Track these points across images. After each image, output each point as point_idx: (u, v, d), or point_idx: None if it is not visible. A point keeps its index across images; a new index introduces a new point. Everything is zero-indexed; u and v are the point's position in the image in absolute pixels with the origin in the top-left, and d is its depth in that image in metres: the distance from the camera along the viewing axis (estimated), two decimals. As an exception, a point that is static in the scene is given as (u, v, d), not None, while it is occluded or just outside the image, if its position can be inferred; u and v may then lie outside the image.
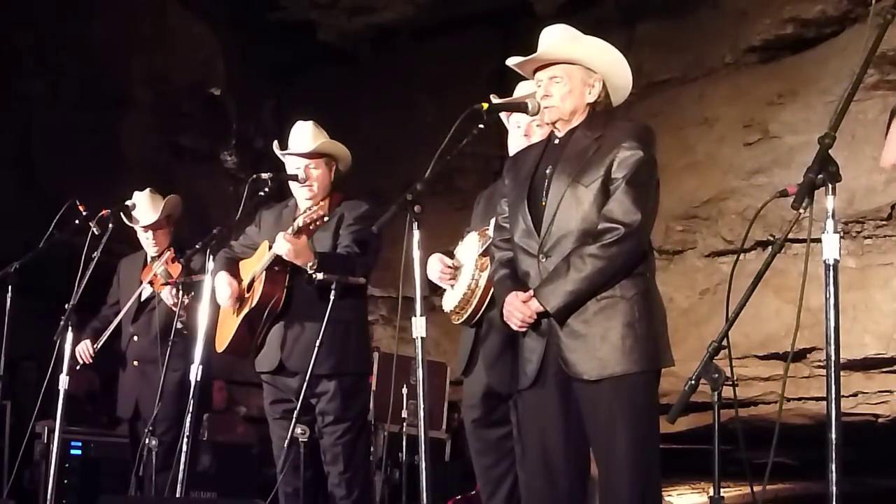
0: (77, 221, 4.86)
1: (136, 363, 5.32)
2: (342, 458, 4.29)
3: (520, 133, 3.85)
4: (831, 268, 2.35)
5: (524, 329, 3.27)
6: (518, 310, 3.24)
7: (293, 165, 4.44)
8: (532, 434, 3.33)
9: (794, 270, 6.33)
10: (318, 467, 4.38)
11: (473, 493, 5.78)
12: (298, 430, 4.19)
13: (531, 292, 3.23)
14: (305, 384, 4.12)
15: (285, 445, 4.23)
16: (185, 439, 4.00)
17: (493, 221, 3.68)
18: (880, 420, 6.83)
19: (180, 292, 4.69)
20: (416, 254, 3.19)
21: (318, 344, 4.10)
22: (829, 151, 2.36)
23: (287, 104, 9.25)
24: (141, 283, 5.28)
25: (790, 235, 2.67)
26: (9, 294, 4.85)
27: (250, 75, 9.65)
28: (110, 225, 4.91)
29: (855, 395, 6.71)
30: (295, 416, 4.17)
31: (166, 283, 4.95)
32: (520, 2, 8.21)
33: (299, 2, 8.81)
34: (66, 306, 4.88)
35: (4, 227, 7.57)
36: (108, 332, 5.29)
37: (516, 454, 3.79)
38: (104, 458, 6.23)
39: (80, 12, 8.47)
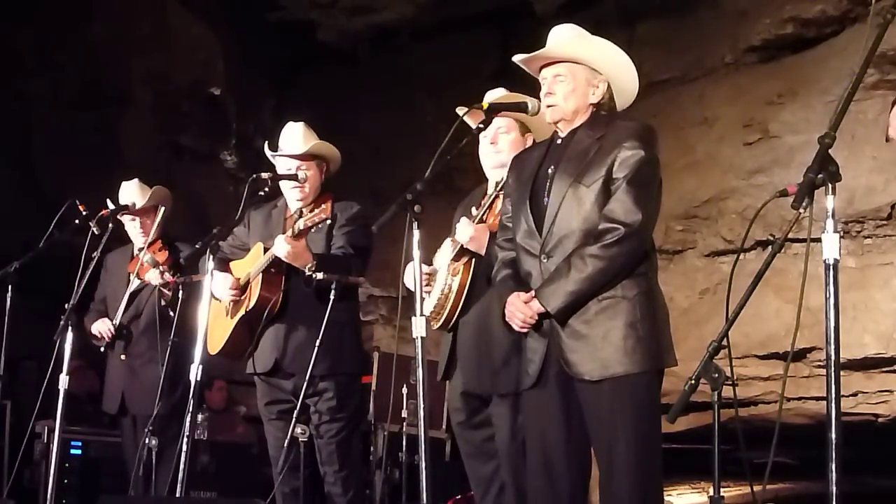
0: (77, 221, 4.86)
1: (123, 357, 5.31)
2: (337, 458, 4.31)
3: (486, 141, 3.86)
4: (831, 267, 2.35)
5: (526, 330, 3.27)
6: (520, 310, 3.24)
7: (284, 167, 4.45)
8: (533, 434, 3.33)
9: (794, 270, 6.33)
10: (317, 467, 4.39)
11: (473, 492, 5.78)
12: (298, 430, 4.20)
13: (532, 293, 3.23)
14: (305, 384, 4.13)
15: (285, 445, 4.24)
16: (185, 439, 4.00)
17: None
18: (880, 420, 6.82)
19: (167, 275, 4.73)
20: (416, 253, 3.19)
21: (317, 344, 4.11)
22: (829, 151, 2.36)
23: (287, 104, 9.23)
24: (129, 276, 5.26)
25: (790, 235, 2.67)
26: (9, 294, 4.84)
27: (250, 75, 9.64)
28: (110, 225, 4.92)
29: (855, 394, 6.70)
30: (294, 416, 4.18)
31: (155, 266, 4.94)
32: (520, 2, 8.20)
33: (299, 1, 8.80)
34: (66, 306, 4.88)
35: (4, 227, 7.57)
36: (120, 310, 5.25)
37: (500, 456, 3.81)
38: (104, 458, 6.22)
39: (80, 12, 8.47)
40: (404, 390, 6.17)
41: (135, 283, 5.27)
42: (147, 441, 4.71)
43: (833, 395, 2.32)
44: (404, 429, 6.22)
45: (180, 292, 4.67)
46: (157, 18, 8.96)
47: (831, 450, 2.29)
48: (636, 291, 3.20)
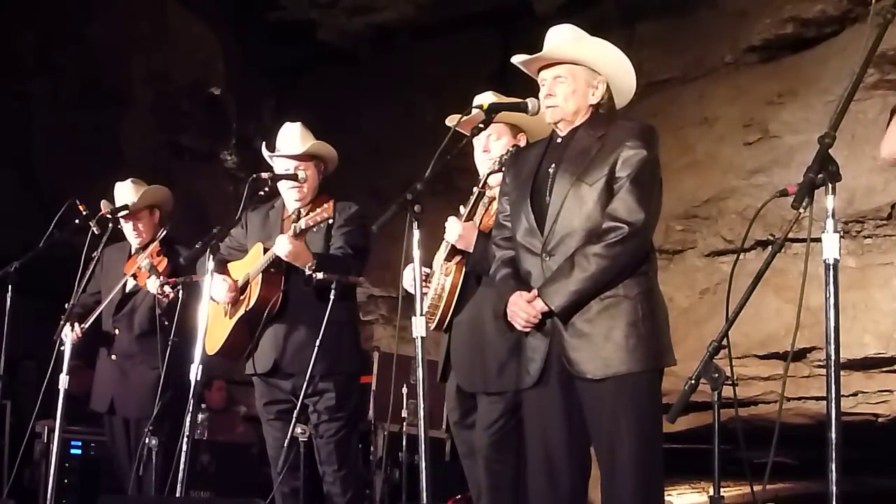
0: (77, 221, 4.86)
1: (114, 357, 5.30)
2: (336, 457, 4.32)
3: (479, 148, 3.88)
4: (831, 267, 2.35)
5: (528, 329, 3.27)
6: (523, 310, 3.24)
7: (282, 167, 4.45)
8: (535, 433, 3.33)
9: (794, 270, 6.32)
10: (317, 467, 4.40)
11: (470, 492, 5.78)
12: (298, 430, 4.20)
13: (535, 292, 3.23)
14: (305, 384, 4.13)
15: (285, 445, 4.24)
16: (185, 439, 4.00)
17: None
18: (880, 420, 6.82)
19: (166, 287, 4.71)
20: (417, 253, 3.20)
21: (317, 344, 4.11)
22: (829, 151, 2.36)
23: (287, 104, 9.23)
24: (124, 275, 5.23)
25: (790, 235, 2.67)
26: (9, 294, 4.85)
27: (250, 75, 9.64)
28: (110, 225, 4.92)
29: (855, 394, 6.70)
30: (294, 416, 4.18)
31: (152, 274, 4.92)
32: (520, 2, 8.20)
33: (299, 1, 8.80)
34: (66, 306, 4.89)
35: (4, 227, 7.57)
36: (94, 315, 5.21)
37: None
38: (104, 458, 6.21)
39: (80, 12, 8.46)
40: (404, 390, 6.17)
41: (130, 285, 5.25)
42: (147, 441, 4.71)
43: (833, 395, 2.32)
44: (404, 429, 6.21)
45: (180, 293, 4.66)
46: (157, 18, 8.96)
47: (831, 450, 2.29)
48: (638, 291, 3.21)
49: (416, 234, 3.18)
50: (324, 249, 4.34)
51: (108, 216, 4.96)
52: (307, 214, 4.19)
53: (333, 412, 4.32)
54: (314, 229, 4.18)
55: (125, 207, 5.13)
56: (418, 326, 3.18)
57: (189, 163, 9.38)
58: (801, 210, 2.32)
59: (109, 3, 8.63)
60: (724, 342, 2.51)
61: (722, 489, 2.58)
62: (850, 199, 6.57)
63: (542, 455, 3.28)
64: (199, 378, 4.02)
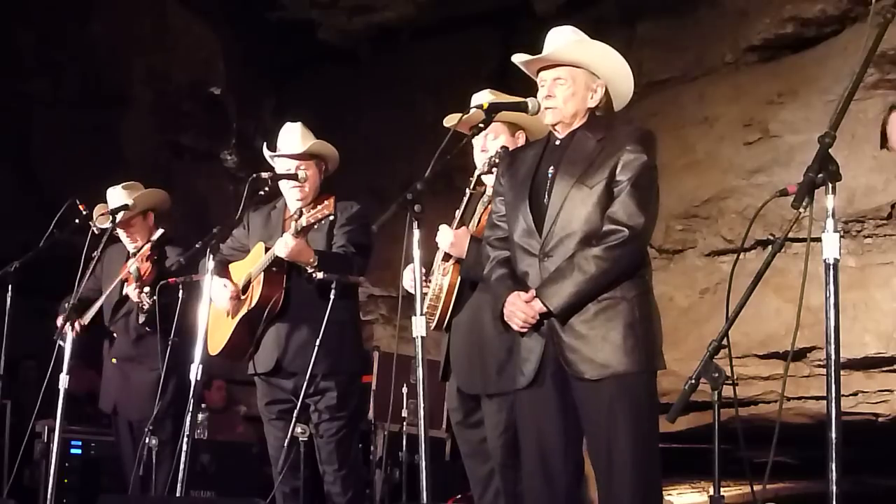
0: (77, 221, 4.86)
1: (114, 360, 5.30)
2: (337, 457, 4.31)
3: (478, 148, 3.88)
4: (831, 267, 2.35)
5: (525, 329, 3.27)
6: (521, 310, 3.24)
7: (283, 167, 4.45)
8: (529, 434, 3.33)
9: (795, 269, 6.32)
10: (317, 467, 4.39)
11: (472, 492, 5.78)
12: (298, 430, 4.19)
13: (533, 292, 3.23)
14: (306, 384, 4.13)
15: (285, 445, 4.24)
16: (185, 439, 4.00)
17: None
18: (880, 419, 6.82)
19: (143, 295, 4.71)
20: (417, 253, 3.20)
21: (317, 344, 4.11)
22: (829, 150, 2.36)
23: (287, 104, 9.23)
24: (120, 279, 5.23)
25: (790, 235, 2.67)
26: (9, 294, 4.85)
27: (250, 75, 9.64)
28: (110, 224, 4.91)
29: (855, 394, 6.70)
30: (295, 415, 4.18)
31: (137, 279, 4.91)
32: (520, 2, 8.20)
33: (299, 1, 8.80)
34: (66, 305, 4.89)
35: (4, 227, 7.57)
36: (93, 311, 5.19)
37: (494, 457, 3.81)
38: (104, 457, 6.22)
39: (80, 12, 8.47)
40: (404, 390, 6.17)
41: (125, 288, 5.25)
42: (147, 441, 4.71)
43: (833, 395, 2.32)
44: (404, 428, 6.21)
45: (180, 292, 4.66)
46: (157, 18, 8.96)
47: (831, 449, 2.29)
48: (635, 293, 3.22)
49: (416, 233, 3.18)
50: (326, 248, 4.34)
51: (114, 215, 4.94)
52: (309, 213, 4.19)
53: (335, 411, 4.32)
54: (315, 227, 4.18)
55: (119, 210, 5.05)
56: (418, 326, 3.18)
57: (189, 163, 9.38)
58: (802, 210, 2.32)
59: (109, 3, 8.64)
60: (725, 342, 2.50)
61: (722, 489, 2.58)
62: (850, 199, 6.57)
63: (536, 455, 3.28)
64: (199, 378, 4.02)
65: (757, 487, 2.78)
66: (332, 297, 4.12)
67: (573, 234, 3.22)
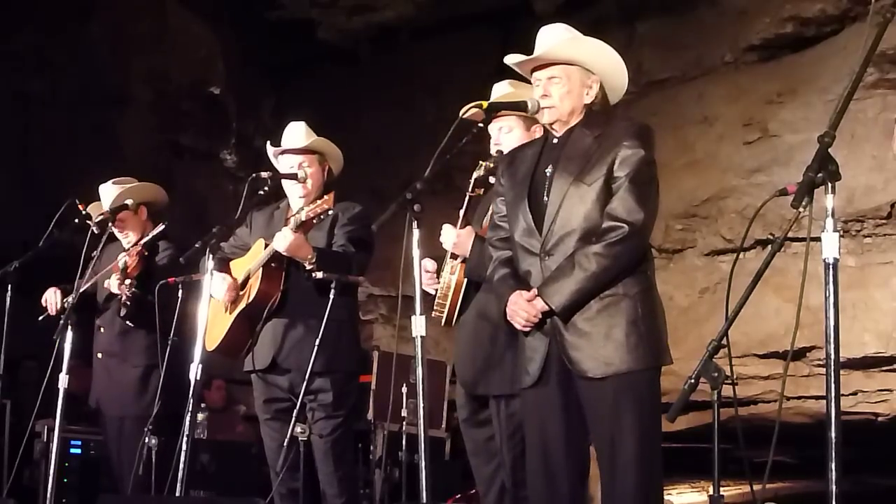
0: (77, 220, 4.85)
1: (99, 355, 5.27)
2: (332, 457, 4.31)
3: (493, 143, 3.89)
4: (831, 266, 2.36)
5: (528, 328, 3.27)
6: (523, 309, 3.24)
7: (286, 165, 4.46)
8: (533, 433, 3.33)
9: (794, 269, 6.32)
10: (315, 466, 4.39)
11: (473, 491, 5.78)
12: (298, 430, 4.18)
13: (535, 291, 3.23)
14: (305, 382, 4.13)
15: (284, 444, 4.23)
16: (185, 438, 4.00)
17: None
18: (880, 419, 6.82)
19: (123, 287, 4.70)
20: (416, 252, 3.20)
21: (317, 342, 4.11)
22: (829, 150, 2.36)
23: (287, 103, 9.23)
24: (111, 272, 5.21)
25: (790, 234, 2.68)
26: (9, 293, 4.84)
27: (250, 75, 9.64)
28: (110, 224, 4.91)
29: (854, 393, 6.70)
30: (294, 415, 4.17)
31: (122, 273, 4.88)
32: (519, 1, 8.20)
33: (299, 1, 8.80)
34: (66, 305, 4.88)
35: (4, 227, 7.56)
36: (79, 290, 5.02)
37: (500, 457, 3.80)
38: (104, 457, 6.21)
39: (80, 12, 8.46)
40: (404, 389, 6.17)
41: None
42: (147, 440, 4.71)
43: (833, 395, 2.32)
44: (404, 428, 6.21)
45: (180, 291, 4.66)
46: (156, 18, 8.96)
47: (831, 449, 2.30)
48: (637, 289, 3.22)
49: (416, 233, 3.18)
50: (326, 246, 4.34)
51: (114, 215, 4.93)
52: (308, 208, 4.19)
53: (330, 410, 4.30)
54: (315, 222, 4.18)
55: (120, 210, 5.03)
56: (418, 326, 3.18)
57: (189, 162, 9.38)
58: (801, 209, 2.32)
59: (109, 3, 8.63)
60: (724, 341, 2.51)
61: (722, 488, 2.58)
62: (849, 199, 6.57)
63: (540, 455, 3.28)
64: (199, 377, 4.02)
65: (756, 487, 2.78)
66: (331, 295, 4.12)
67: (573, 232, 3.22)
